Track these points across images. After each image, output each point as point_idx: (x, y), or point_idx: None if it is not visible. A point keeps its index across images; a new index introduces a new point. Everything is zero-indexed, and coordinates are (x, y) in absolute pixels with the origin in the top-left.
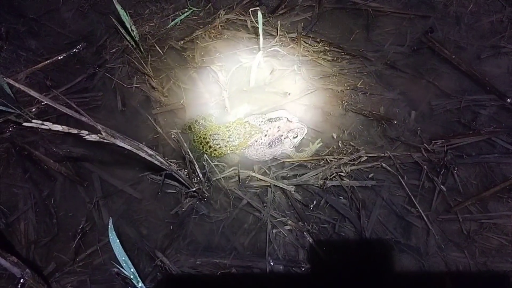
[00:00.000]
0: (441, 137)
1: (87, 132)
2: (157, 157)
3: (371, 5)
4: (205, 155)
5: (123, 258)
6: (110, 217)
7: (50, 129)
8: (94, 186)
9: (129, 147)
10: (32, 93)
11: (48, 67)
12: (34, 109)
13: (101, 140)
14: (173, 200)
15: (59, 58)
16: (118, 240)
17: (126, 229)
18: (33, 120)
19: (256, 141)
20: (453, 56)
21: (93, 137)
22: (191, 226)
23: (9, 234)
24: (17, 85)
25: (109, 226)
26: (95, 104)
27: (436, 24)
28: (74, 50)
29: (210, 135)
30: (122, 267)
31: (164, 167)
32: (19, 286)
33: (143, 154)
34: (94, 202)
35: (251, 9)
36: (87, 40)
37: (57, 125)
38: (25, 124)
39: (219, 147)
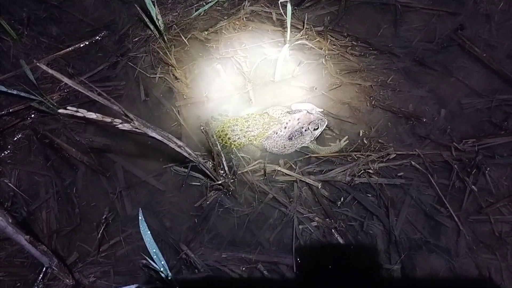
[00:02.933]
0: (471, 136)
1: (120, 121)
2: (186, 148)
3: (399, 0)
4: (232, 148)
5: (154, 250)
6: (140, 209)
7: (84, 117)
8: (117, 176)
9: (159, 138)
10: (66, 80)
11: (70, 55)
12: (55, 97)
13: (133, 129)
14: (197, 193)
15: (81, 45)
16: (149, 232)
17: (149, 220)
18: (68, 107)
19: (276, 133)
20: (484, 55)
21: (126, 126)
22: (215, 219)
23: (31, 222)
24: (50, 71)
25: (140, 218)
26: (117, 93)
27: (465, 21)
28: (96, 38)
29: (228, 127)
30: (152, 260)
31: (192, 159)
32: (41, 275)
33: (172, 145)
34: (117, 192)
35: (280, 1)
36: (109, 28)
37: (91, 113)
38: (60, 110)
39: (238, 138)
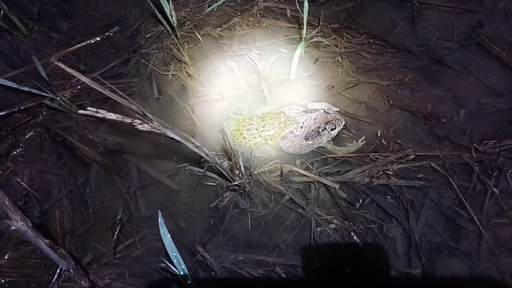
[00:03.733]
0: (492, 137)
1: (140, 121)
2: (203, 149)
3: None
4: (248, 147)
5: (174, 254)
6: (159, 211)
7: (103, 117)
8: (130, 175)
9: (178, 138)
10: (84, 78)
11: (81, 51)
12: (67, 94)
13: (152, 130)
14: (212, 193)
15: (92, 41)
16: (169, 235)
17: (164, 221)
18: (88, 108)
19: (292, 132)
20: (503, 53)
21: (145, 127)
22: (231, 220)
23: (45, 222)
24: (68, 69)
25: (159, 221)
26: (130, 91)
27: (484, 19)
28: (107, 33)
29: (243, 126)
30: (171, 263)
31: (209, 160)
32: (56, 276)
33: (190, 146)
34: (131, 192)
35: None
36: (120, 24)
37: (111, 114)
38: (80, 111)
39: (254, 137)
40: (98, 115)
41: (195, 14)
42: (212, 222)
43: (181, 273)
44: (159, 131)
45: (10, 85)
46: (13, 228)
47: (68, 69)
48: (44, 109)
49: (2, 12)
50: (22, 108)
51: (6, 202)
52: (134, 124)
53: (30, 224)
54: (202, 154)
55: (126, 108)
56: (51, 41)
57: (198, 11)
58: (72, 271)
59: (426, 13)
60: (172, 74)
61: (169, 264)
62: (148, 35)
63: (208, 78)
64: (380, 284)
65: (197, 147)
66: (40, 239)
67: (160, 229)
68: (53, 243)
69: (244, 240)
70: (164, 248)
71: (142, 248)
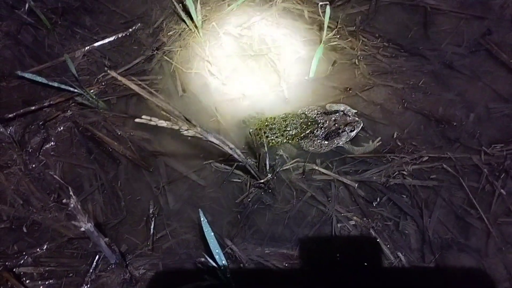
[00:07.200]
0: (500, 141)
1: (186, 127)
2: (237, 151)
3: (429, 2)
4: (272, 146)
5: (217, 251)
6: (200, 210)
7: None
8: (159, 170)
9: (216, 142)
10: (133, 86)
11: (105, 46)
12: (93, 90)
13: (196, 135)
14: (237, 189)
15: (115, 37)
16: (213, 233)
17: (192, 215)
18: (143, 116)
19: (312, 132)
20: (511, 61)
21: (190, 132)
22: (255, 215)
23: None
24: (119, 78)
25: (202, 219)
26: (155, 88)
27: (492, 26)
28: (130, 30)
29: (266, 125)
30: (213, 259)
31: (240, 160)
32: (93, 266)
33: (226, 148)
34: (160, 187)
35: (320, 3)
36: (142, 21)
37: (162, 121)
38: (137, 120)
39: (276, 137)
40: (152, 123)
41: (215, 12)
42: (239, 217)
43: (222, 268)
44: (201, 136)
45: (40, 80)
46: (82, 229)
47: (120, 78)
48: (73, 104)
49: (27, 6)
50: (51, 103)
51: (78, 206)
52: (181, 130)
53: (93, 224)
54: (235, 156)
55: (151, 104)
56: (75, 36)
57: (218, 10)
58: (117, 261)
59: (437, 18)
60: (195, 72)
61: (209, 259)
62: (171, 33)
63: (230, 77)
64: (396, 277)
65: (231, 149)
66: (101, 238)
67: (204, 228)
68: (109, 241)
69: (268, 234)
70: (193, 241)
71: (173, 240)
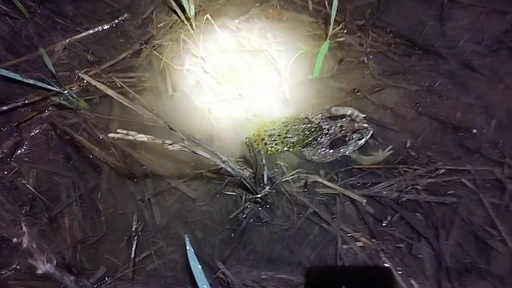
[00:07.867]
0: None
1: (170, 142)
2: (230, 163)
3: None
4: (269, 154)
5: (204, 286)
6: (186, 235)
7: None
8: (145, 181)
9: (207, 156)
10: (110, 92)
11: (88, 39)
12: (75, 87)
13: (182, 149)
14: (230, 202)
15: (100, 29)
16: (200, 266)
17: (180, 231)
18: (118, 131)
19: (316, 139)
20: None
21: (176, 147)
22: (251, 233)
23: (53, 230)
24: (94, 82)
25: (188, 248)
26: (142, 86)
27: None
28: (116, 21)
29: (265, 131)
30: None
31: (234, 174)
32: None
33: (218, 162)
34: (145, 199)
35: None
36: (130, 11)
37: (142, 135)
38: (111, 135)
39: (275, 144)
40: (129, 137)
41: (211, 3)
42: (233, 235)
43: None
44: (188, 150)
45: (14, 77)
46: (39, 271)
47: (94, 82)
48: (50, 103)
49: None
50: (26, 102)
51: (34, 245)
52: (164, 144)
53: (55, 262)
54: (229, 169)
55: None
56: (55, 27)
57: (213, 0)
58: None
59: (455, 12)
60: (187, 69)
61: None
62: (161, 25)
63: (226, 75)
64: None
65: (223, 162)
66: (66, 277)
67: (189, 258)
68: (78, 278)
69: (266, 255)
70: (181, 262)
71: (158, 261)
